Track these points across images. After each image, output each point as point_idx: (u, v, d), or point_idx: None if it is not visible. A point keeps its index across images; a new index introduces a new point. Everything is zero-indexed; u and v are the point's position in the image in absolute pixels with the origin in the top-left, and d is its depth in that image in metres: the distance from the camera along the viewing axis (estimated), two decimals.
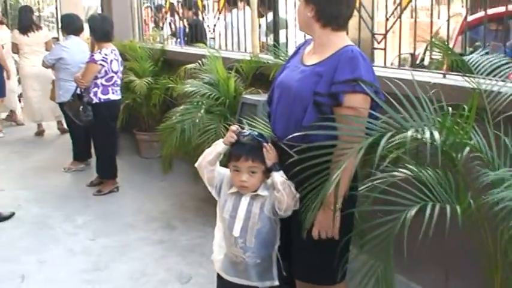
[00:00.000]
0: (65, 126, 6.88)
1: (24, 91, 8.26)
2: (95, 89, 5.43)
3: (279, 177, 2.49)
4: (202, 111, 4.68)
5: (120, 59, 5.62)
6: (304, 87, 2.44)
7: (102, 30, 5.45)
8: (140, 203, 5.40)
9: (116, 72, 5.49)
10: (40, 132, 8.28)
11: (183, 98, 5.21)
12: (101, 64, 5.34)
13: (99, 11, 8.60)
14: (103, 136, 5.63)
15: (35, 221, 5.01)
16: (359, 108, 2.33)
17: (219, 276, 2.80)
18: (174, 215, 5.03)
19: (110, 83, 5.47)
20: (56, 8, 11.02)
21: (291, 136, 2.36)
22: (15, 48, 8.09)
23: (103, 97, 5.46)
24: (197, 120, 4.59)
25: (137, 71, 6.55)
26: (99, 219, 5.05)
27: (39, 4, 12.63)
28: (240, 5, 6.76)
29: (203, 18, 7.45)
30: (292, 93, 2.49)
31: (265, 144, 2.55)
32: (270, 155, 2.53)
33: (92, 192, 5.67)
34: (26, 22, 7.95)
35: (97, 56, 5.35)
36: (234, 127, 2.63)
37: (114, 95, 5.55)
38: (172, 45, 7.01)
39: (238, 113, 4.44)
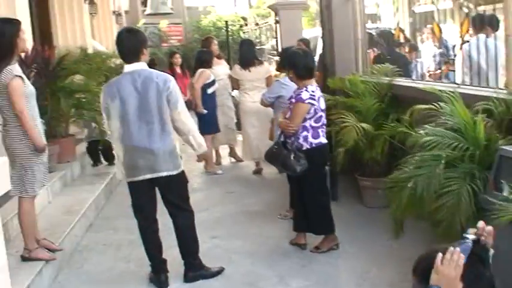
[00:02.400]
0: None
1: (243, 127, 8.04)
2: (304, 132, 4.78)
3: None
4: (441, 166, 3.71)
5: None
6: None
7: (306, 66, 4.81)
8: (364, 266, 4.59)
9: (323, 111, 4.85)
10: (258, 171, 7.98)
11: (414, 146, 4.29)
12: (309, 103, 4.70)
13: (320, 43, 8.18)
14: (316, 186, 4.94)
15: (245, 280, 4.51)
16: None
17: None
18: None
19: (319, 124, 4.81)
20: (277, 41, 10.81)
21: None
22: (236, 84, 7.94)
23: (314, 141, 4.80)
24: (433, 179, 3.63)
25: (360, 109, 5.80)
26: (316, 284, 4.37)
27: (260, 37, 12.63)
28: (489, 29, 5.61)
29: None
30: None
31: None
32: None
33: (309, 249, 5.01)
34: (247, 56, 7.70)
35: (304, 95, 4.71)
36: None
37: (324, 138, 4.90)
38: (401, 79, 6.11)
39: (493, 171, 3.40)
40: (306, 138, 4.78)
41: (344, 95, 6.16)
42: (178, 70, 9.67)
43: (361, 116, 5.76)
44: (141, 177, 4.15)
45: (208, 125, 7.89)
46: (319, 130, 4.81)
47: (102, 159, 7.66)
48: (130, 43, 4.08)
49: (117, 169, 4.37)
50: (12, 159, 4.19)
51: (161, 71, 8.82)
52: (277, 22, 10.45)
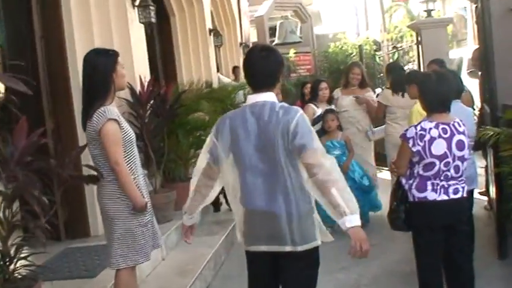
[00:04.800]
0: None
1: None
2: (411, 180, 3.78)
3: None
4: None
5: None
6: None
7: (438, 95, 3.67)
8: None
9: (439, 158, 3.63)
10: None
11: None
12: (410, 143, 3.62)
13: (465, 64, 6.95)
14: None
15: None
16: None
17: None
18: None
19: (429, 173, 3.66)
20: (419, 65, 9.60)
21: None
22: (380, 112, 6.93)
23: (418, 195, 3.69)
24: None
25: None
26: None
27: (398, 61, 11.46)
28: None
29: None
30: None
31: None
32: None
33: None
34: (400, 80, 6.59)
35: (410, 131, 3.64)
36: None
37: (436, 194, 3.68)
38: None
39: None
40: (410, 188, 3.70)
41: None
42: None
43: None
44: (256, 248, 3.07)
45: None
46: (428, 182, 3.64)
47: (224, 202, 6.91)
48: (265, 65, 2.99)
49: (237, 229, 3.29)
50: (108, 222, 3.47)
51: (291, 103, 7.99)
52: (418, 43, 9.28)
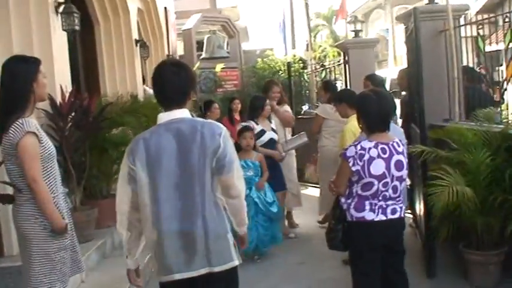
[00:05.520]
0: None
1: (325, 176, 6.88)
2: (350, 199, 3.71)
3: None
4: None
5: None
6: None
7: (380, 115, 3.63)
8: None
9: (377, 178, 3.60)
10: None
11: None
12: (350, 162, 3.57)
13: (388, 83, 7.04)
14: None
15: None
16: None
17: None
18: None
19: (368, 193, 3.61)
20: (346, 83, 9.72)
21: None
22: (317, 126, 7.05)
23: (356, 214, 3.64)
24: None
25: (468, 165, 4.57)
26: None
27: (325, 79, 11.59)
28: None
29: None
30: None
31: None
32: None
33: None
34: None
35: (350, 150, 3.58)
36: None
37: (373, 214, 3.63)
38: None
39: None
40: (348, 207, 3.64)
41: (441, 147, 4.98)
42: (237, 117, 8.61)
43: (471, 173, 4.55)
44: (169, 278, 2.84)
45: (280, 181, 6.61)
46: (367, 202, 3.58)
47: None
48: (177, 82, 2.85)
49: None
50: (24, 244, 3.16)
51: (218, 119, 7.75)
52: (345, 62, 9.38)
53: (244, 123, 6.54)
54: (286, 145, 6.91)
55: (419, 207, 5.57)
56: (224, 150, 2.79)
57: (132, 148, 2.85)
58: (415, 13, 5.38)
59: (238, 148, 5.67)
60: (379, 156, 3.51)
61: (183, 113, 2.87)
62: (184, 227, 2.78)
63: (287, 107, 7.34)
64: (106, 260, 5.50)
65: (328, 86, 7.51)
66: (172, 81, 2.85)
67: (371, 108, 3.61)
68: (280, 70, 13.56)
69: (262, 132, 6.52)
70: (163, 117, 2.88)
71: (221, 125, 2.90)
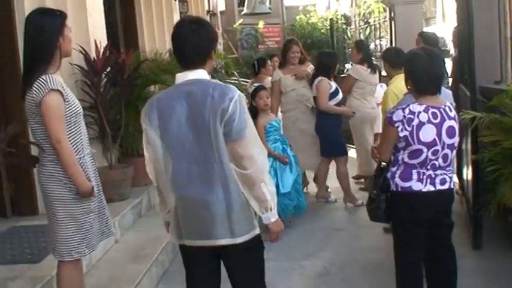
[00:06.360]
0: None
1: (362, 136, 6.85)
2: (394, 167, 3.45)
3: None
4: None
5: None
6: None
7: (429, 75, 3.32)
8: None
9: (427, 145, 3.32)
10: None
11: None
12: (398, 127, 3.28)
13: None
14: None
15: None
16: None
17: None
18: None
19: (416, 161, 3.33)
20: (391, 41, 9.32)
21: None
22: (348, 87, 6.76)
23: (402, 184, 3.37)
24: None
25: None
26: None
27: (370, 37, 11.15)
28: None
29: None
30: None
31: None
32: None
33: None
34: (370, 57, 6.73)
35: (396, 114, 3.27)
36: None
37: (422, 184, 3.36)
38: None
39: None
40: (393, 176, 3.37)
41: (492, 110, 4.66)
42: None
43: None
44: (191, 243, 2.79)
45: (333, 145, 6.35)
46: (414, 171, 3.31)
47: None
48: (195, 40, 2.66)
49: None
50: (49, 206, 3.06)
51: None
52: (391, 19, 8.98)
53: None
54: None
55: (467, 174, 5.28)
56: (233, 114, 2.58)
57: (146, 109, 2.74)
58: None
59: (255, 112, 5.40)
60: (429, 121, 3.21)
61: (198, 74, 2.70)
62: (202, 196, 2.66)
63: (311, 66, 6.74)
64: (141, 219, 5.44)
65: (360, 45, 7.17)
66: (191, 40, 2.67)
67: (422, 68, 3.30)
68: (320, 27, 13.15)
69: (337, 90, 6.28)
70: (180, 77, 2.73)
71: (236, 90, 2.68)
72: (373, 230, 5.25)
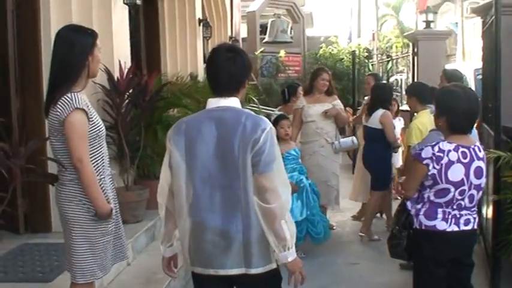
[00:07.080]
0: None
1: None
2: (419, 205, 3.38)
3: None
4: None
5: None
6: None
7: (467, 114, 3.24)
8: None
9: (455, 185, 3.26)
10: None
11: None
12: (427, 164, 3.22)
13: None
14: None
15: None
16: None
17: None
18: None
19: (442, 200, 3.27)
20: (413, 76, 9.29)
21: None
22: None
23: (426, 222, 3.28)
24: None
25: None
26: None
27: (391, 71, 11.14)
28: None
29: None
30: None
31: None
32: None
33: None
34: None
35: (426, 151, 3.20)
36: None
37: (446, 224, 3.28)
38: None
39: None
40: (417, 214, 3.29)
41: None
42: None
43: None
44: (203, 271, 2.68)
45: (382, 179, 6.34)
46: (439, 210, 3.23)
47: None
48: (231, 68, 2.63)
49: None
50: (66, 226, 3.02)
51: (275, 106, 7.46)
52: (414, 54, 8.96)
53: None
54: (338, 145, 6.38)
55: (487, 214, 5.18)
56: (263, 146, 2.53)
57: (173, 131, 2.68)
58: (497, 5, 4.94)
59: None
60: (458, 160, 3.15)
61: (231, 102, 2.65)
62: (222, 224, 2.59)
63: (339, 101, 6.54)
64: (155, 242, 5.36)
65: (376, 78, 7.24)
66: (226, 68, 2.64)
67: (458, 105, 3.22)
68: (343, 58, 13.16)
69: None
70: (212, 103, 2.68)
71: (268, 122, 2.63)
72: (390, 266, 5.15)
